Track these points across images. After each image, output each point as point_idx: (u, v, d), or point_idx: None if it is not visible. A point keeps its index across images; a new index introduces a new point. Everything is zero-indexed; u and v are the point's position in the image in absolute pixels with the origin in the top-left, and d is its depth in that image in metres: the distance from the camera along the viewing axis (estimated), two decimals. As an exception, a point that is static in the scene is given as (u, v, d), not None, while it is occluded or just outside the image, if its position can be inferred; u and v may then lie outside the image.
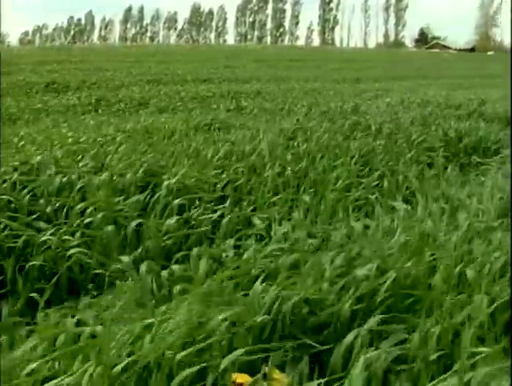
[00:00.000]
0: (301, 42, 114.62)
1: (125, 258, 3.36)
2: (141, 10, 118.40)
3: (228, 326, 2.39)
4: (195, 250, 3.31)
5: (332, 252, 3.08)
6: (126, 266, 3.25)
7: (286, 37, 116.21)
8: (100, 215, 4.13)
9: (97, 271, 3.51)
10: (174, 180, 4.71)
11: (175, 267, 3.09)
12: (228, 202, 4.59)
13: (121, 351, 2.22)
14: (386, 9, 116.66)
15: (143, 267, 3.21)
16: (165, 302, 2.66)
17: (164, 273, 3.08)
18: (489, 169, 6.88)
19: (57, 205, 4.36)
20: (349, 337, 2.45)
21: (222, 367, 2.20)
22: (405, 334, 2.58)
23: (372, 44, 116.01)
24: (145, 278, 3.01)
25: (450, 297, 2.75)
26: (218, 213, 4.35)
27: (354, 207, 4.71)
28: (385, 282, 2.81)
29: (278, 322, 2.53)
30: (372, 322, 2.51)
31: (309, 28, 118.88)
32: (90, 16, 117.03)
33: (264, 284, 2.70)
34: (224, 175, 5.09)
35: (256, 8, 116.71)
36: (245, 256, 3.02)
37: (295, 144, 6.55)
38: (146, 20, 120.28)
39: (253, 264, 2.95)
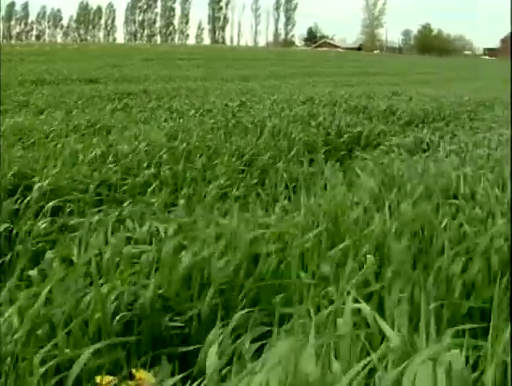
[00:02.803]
0: (191, 41, 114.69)
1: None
2: (25, 7, 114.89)
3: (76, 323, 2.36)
4: (48, 253, 3.23)
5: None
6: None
7: (177, 36, 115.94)
8: (-33, 221, 3.98)
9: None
10: (46, 182, 4.58)
11: (32, 272, 3.00)
12: (104, 204, 4.54)
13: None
14: (277, 8, 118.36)
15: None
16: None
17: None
18: (369, 162, 7.10)
19: None
20: (211, 336, 2.44)
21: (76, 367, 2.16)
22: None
23: (262, 43, 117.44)
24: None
25: (316, 289, 2.80)
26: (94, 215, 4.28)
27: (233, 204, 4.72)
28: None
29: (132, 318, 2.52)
30: (236, 317, 2.52)
31: (199, 27, 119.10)
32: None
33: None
34: (97, 176, 5.00)
35: (145, 6, 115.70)
36: (106, 256, 2.96)
37: (176, 143, 6.53)
38: (32, 17, 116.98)
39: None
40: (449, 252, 3.02)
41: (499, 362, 1.95)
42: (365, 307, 2.38)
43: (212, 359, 2.15)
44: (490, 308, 2.52)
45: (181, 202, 4.59)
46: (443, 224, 3.61)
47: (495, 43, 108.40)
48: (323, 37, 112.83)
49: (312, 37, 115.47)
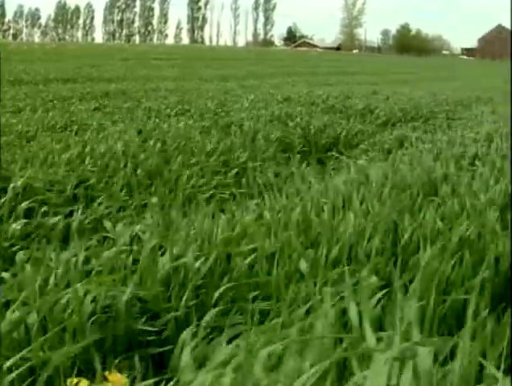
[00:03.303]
0: (170, 40, 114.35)
1: None
2: (1, 5, 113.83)
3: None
4: (19, 254, 3.19)
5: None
6: None
7: (155, 35, 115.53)
8: None
9: None
10: (20, 182, 4.53)
11: (5, 274, 2.96)
12: (79, 204, 4.50)
13: None
14: (255, 8, 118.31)
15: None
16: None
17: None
18: (347, 162, 7.10)
19: None
20: (185, 334, 2.42)
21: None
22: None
23: (241, 43, 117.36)
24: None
25: (291, 288, 2.79)
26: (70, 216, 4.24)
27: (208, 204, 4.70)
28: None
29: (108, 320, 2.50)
30: (208, 316, 2.51)
31: (178, 27, 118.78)
32: None
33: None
34: (74, 176, 4.95)
35: (124, 6, 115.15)
36: (80, 258, 2.93)
37: (152, 143, 6.49)
38: (9, 16, 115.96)
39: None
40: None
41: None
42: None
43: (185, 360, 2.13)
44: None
45: (154, 200, 4.56)
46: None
47: (472, 43, 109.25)
48: (302, 37, 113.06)
49: (292, 37, 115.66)
